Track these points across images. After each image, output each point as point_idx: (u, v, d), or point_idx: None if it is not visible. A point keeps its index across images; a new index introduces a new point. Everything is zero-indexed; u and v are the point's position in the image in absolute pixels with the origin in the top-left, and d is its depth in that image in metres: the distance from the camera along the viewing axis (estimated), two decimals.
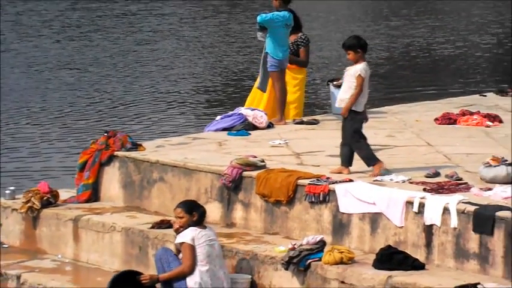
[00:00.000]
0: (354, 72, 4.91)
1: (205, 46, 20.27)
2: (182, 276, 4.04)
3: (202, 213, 4.24)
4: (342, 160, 5.00)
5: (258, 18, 7.03)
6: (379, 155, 5.17)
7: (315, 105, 12.57)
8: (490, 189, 4.39)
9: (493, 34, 22.42)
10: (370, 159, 4.94)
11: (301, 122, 7.00)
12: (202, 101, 14.69)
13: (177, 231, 4.17)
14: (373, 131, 6.14)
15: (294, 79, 7.52)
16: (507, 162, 4.73)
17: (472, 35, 22.17)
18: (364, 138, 5.01)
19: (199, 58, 18.78)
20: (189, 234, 4.06)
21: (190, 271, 4.04)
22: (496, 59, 19.56)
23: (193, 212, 4.17)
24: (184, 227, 4.12)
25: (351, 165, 4.99)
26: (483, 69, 18.21)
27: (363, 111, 5.06)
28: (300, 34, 7.51)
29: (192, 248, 4.03)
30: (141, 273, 4.20)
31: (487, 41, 21.65)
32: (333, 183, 4.63)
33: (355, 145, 4.95)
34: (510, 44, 20.66)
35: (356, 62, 4.94)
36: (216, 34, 22.36)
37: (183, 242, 4.07)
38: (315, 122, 6.89)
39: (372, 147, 5.11)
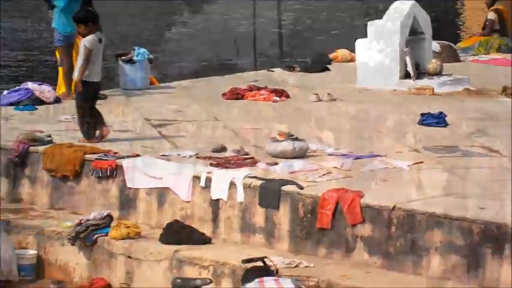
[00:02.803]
0: (82, 44, 5.15)
1: None
2: None
3: None
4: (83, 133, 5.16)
5: None
6: (167, 130, 5.21)
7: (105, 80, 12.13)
8: (276, 163, 4.53)
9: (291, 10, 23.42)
10: (86, 134, 5.14)
11: None
12: None
13: None
14: (162, 106, 6.24)
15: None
16: (293, 137, 4.94)
17: (270, 11, 22.94)
18: (92, 112, 5.19)
19: None
20: None
21: None
22: (291, 35, 20.71)
23: None
24: None
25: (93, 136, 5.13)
26: (272, 46, 19.15)
27: (95, 81, 5.21)
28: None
29: None
30: None
31: (284, 17, 22.74)
32: (121, 158, 4.58)
33: (79, 115, 5.19)
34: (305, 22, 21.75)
35: (87, 34, 5.13)
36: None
37: None
38: (102, 97, 6.69)
39: (160, 122, 5.15)
